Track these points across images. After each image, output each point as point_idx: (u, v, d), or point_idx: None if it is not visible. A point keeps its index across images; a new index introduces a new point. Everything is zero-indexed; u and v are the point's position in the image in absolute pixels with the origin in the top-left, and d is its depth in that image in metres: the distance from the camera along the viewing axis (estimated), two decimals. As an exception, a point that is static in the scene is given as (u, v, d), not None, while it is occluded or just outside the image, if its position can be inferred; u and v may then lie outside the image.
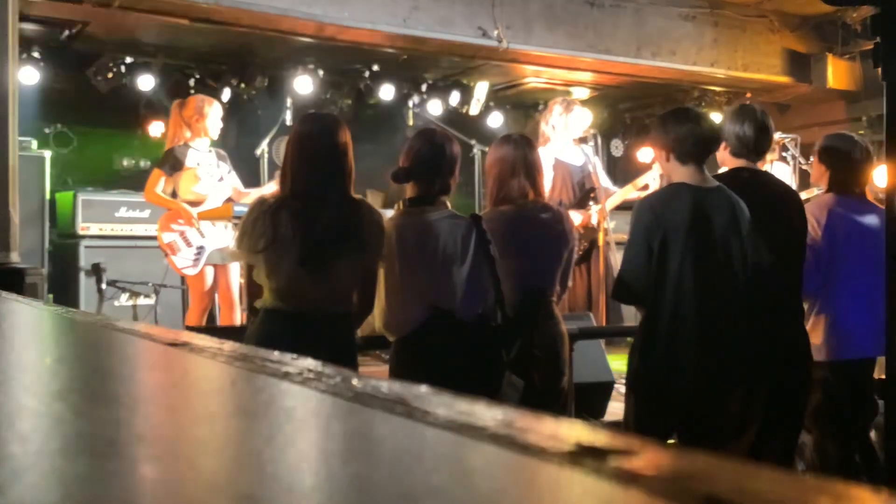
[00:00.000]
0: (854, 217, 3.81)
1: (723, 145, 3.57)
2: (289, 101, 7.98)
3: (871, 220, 3.79)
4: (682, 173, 3.27)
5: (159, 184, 5.49)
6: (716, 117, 7.25)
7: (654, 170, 5.74)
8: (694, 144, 3.24)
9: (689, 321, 3.16)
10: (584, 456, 0.52)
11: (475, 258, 3.21)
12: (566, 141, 5.68)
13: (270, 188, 5.30)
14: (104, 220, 6.96)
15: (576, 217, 5.33)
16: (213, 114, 5.62)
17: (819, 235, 3.76)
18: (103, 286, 6.68)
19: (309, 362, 0.90)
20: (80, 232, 6.87)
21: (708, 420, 3.26)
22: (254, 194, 5.18)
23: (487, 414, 0.64)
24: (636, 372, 3.30)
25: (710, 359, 3.18)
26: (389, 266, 3.17)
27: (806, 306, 3.76)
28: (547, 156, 5.49)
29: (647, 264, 3.18)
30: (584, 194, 5.66)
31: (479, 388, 3.04)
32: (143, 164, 8.29)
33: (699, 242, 3.17)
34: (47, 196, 6.78)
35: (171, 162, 5.50)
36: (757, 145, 3.55)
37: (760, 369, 3.39)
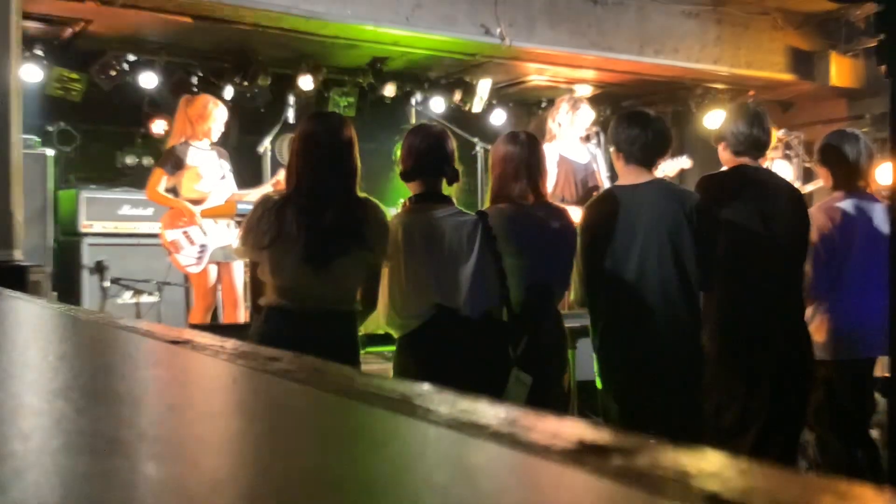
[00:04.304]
0: (866, 215, 3.80)
1: (722, 145, 3.60)
2: (291, 100, 7.97)
3: (883, 218, 3.77)
4: (625, 174, 3.44)
5: (161, 182, 5.50)
6: (719, 115, 7.26)
7: (659, 169, 5.74)
8: (640, 148, 3.40)
9: (622, 319, 3.31)
10: (586, 454, 0.52)
11: (481, 255, 3.21)
12: (572, 139, 5.69)
13: (267, 190, 5.30)
14: (107, 217, 6.97)
15: (576, 213, 5.33)
16: (217, 116, 5.62)
17: (834, 235, 3.75)
18: (106, 284, 6.69)
19: (311, 360, 0.90)
20: (83, 230, 6.88)
21: (655, 417, 3.33)
22: (252, 195, 5.19)
23: (490, 412, 0.63)
24: (597, 374, 3.45)
25: (646, 353, 3.28)
26: (395, 263, 3.17)
27: (812, 306, 3.76)
28: (552, 152, 5.49)
29: (584, 269, 3.40)
30: (587, 192, 5.66)
31: (484, 385, 3.06)
32: (146, 161, 8.29)
33: (627, 241, 3.31)
34: (50, 194, 6.79)
35: (173, 161, 5.50)
36: (754, 142, 3.56)
37: (762, 367, 3.40)
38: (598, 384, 3.46)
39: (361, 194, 3.11)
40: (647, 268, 3.28)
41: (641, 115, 3.52)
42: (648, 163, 3.42)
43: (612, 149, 3.51)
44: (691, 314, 3.35)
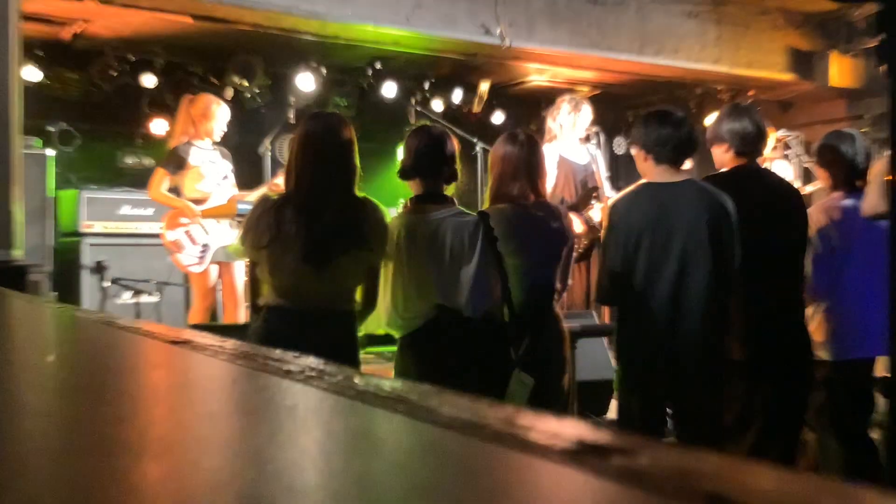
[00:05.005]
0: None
1: (723, 147, 3.59)
2: (291, 100, 7.97)
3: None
4: (656, 174, 3.33)
5: (163, 182, 5.50)
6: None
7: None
8: (672, 149, 3.30)
9: (657, 317, 3.21)
10: (586, 454, 0.52)
11: (482, 256, 3.21)
12: (572, 139, 5.68)
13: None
14: (107, 217, 6.97)
15: (576, 224, 5.34)
16: (219, 116, 5.63)
17: (833, 235, 3.75)
18: (106, 284, 6.69)
19: (311, 360, 0.90)
20: (84, 230, 6.88)
21: (688, 420, 3.30)
22: (253, 196, 5.19)
23: (489, 412, 0.63)
24: (618, 371, 3.38)
25: (678, 355, 3.22)
26: (396, 264, 3.17)
27: (812, 305, 3.76)
28: (552, 152, 5.49)
29: (615, 266, 3.26)
30: (587, 193, 5.66)
31: (485, 385, 3.06)
32: (147, 161, 8.29)
33: (664, 238, 3.21)
34: (50, 194, 6.79)
35: (175, 161, 5.51)
36: (752, 141, 3.56)
37: (762, 367, 3.40)
38: (616, 385, 3.40)
39: (360, 194, 3.11)
40: (687, 268, 3.19)
41: (671, 115, 3.40)
42: (679, 163, 3.33)
43: (635, 149, 3.39)
44: (725, 316, 3.29)
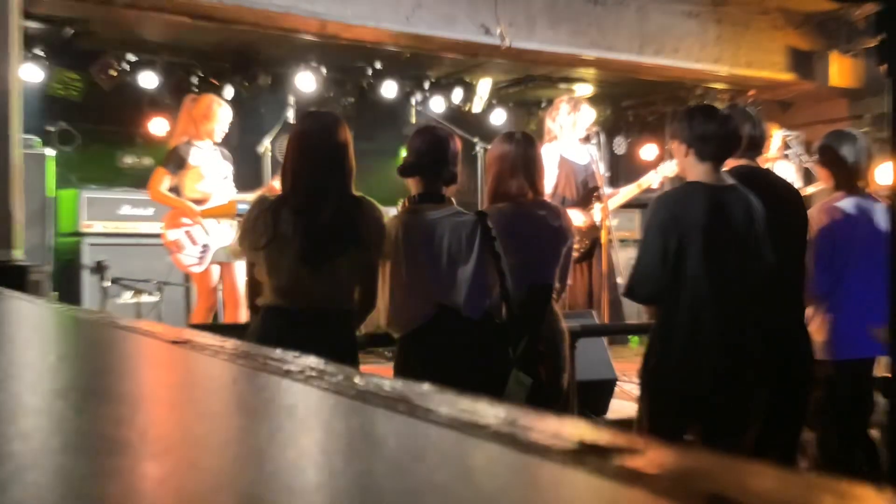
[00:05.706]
0: (867, 215, 3.80)
1: None
2: (292, 99, 7.97)
3: (883, 218, 3.77)
4: (699, 171, 3.26)
5: (164, 182, 5.51)
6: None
7: (659, 170, 5.74)
8: (717, 145, 3.24)
9: (707, 322, 3.15)
10: (586, 454, 0.52)
11: (480, 255, 3.21)
12: (572, 139, 5.68)
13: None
14: (107, 217, 6.97)
15: (578, 217, 5.34)
16: (221, 117, 5.63)
17: (834, 236, 3.75)
18: (106, 284, 6.69)
19: (311, 360, 0.90)
20: (84, 230, 6.88)
21: (724, 419, 3.25)
22: (252, 197, 5.19)
23: (490, 412, 0.63)
24: (653, 371, 3.28)
25: (727, 359, 3.17)
26: (395, 263, 3.17)
27: (813, 305, 3.76)
28: (552, 153, 5.49)
29: (662, 263, 3.17)
30: (588, 193, 5.67)
31: (484, 385, 3.04)
32: (146, 161, 8.29)
33: (716, 242, 3.15)
34: (50, 194, 6.79)
35: (176, 160, 5.51)
36: (751, 142, 3.55)
37: (763, 367, 3.39)
38: (649, 384, 3.32)
39: (357, 193, 3.11)
40: (739, 274, 3.15)
41: (716, 111, 3.33)
42: (722, 161, 3.28)
43: (676, 143, 3.30)
44: (764, 321, 3.26)
